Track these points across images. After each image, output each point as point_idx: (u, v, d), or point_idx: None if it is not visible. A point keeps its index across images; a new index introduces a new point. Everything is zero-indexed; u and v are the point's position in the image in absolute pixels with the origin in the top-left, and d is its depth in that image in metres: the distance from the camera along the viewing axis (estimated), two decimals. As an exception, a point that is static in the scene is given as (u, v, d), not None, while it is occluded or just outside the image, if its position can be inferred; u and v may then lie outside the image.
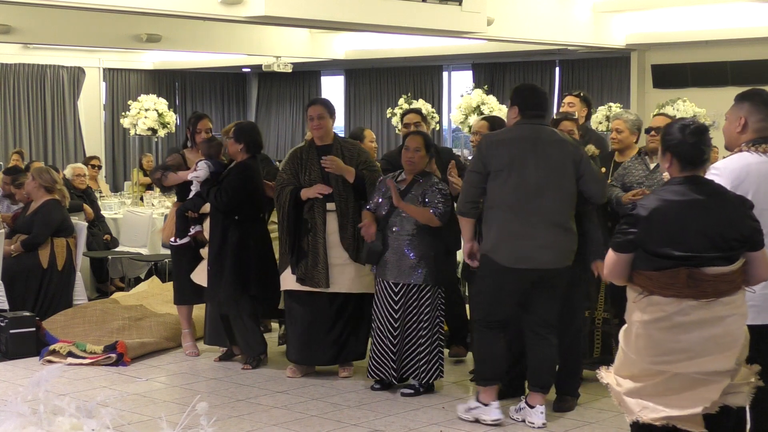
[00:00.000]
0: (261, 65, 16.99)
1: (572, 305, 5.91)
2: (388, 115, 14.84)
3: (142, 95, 14.32)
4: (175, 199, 7.96)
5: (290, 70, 16.63)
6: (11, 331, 7.45)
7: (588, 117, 7.78)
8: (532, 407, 5.77)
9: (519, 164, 5.57)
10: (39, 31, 13.83)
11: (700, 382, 3.95)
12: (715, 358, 3.94)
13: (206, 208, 7.22)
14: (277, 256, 7.26)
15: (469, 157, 9.29)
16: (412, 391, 6.39)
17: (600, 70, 17.49)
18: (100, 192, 12.54)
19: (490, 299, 5.71)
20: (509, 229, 5.57)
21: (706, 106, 12.08)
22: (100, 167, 13.49)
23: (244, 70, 20.75)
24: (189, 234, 7.33)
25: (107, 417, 4.21)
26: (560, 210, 5.62)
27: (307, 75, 20.90)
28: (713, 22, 13.27)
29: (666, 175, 4.14)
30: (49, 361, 7.11)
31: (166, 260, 9.69)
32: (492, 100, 12.87)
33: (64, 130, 18.88)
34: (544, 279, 5.64)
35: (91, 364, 7.21)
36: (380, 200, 6.45)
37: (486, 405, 5.72)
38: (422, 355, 6.35)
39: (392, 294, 6.36)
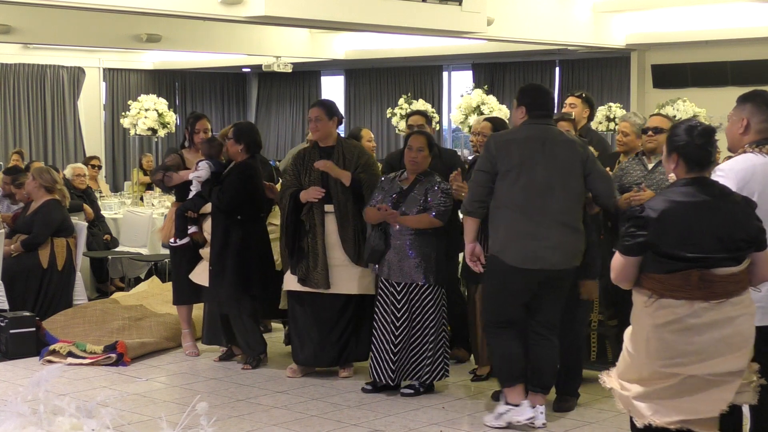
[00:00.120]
0: (261, 65, 16.99)
1: (573, 305, 5.90)
2: (388, 115, 14.84)
3: (142, 95, 14.33)
4: (174, 199, 7.96)
5: (290, 70, 16.63)
6: (11, 331, 7.45)
7: (591, 118, 7.75)
8: (532, 407, 5.76)
9: (528, 164, 5.55)
10: (39, 31, 13.83)
11: (713, 384, 3.95)
12: (727, 359, 3.94)
13: (206, 208, 7.22)
14: (276, 257, 7.29)
15: (469, 157, 9.29)
16: (412, 391, 6.39)
17: (600, 70, 17.49)
18: (100, 192, 12.54)
19: (499, 300, 5.67)
20: (518, 229, 5.54)
21: (706, 106, 12.09)
22: (100, 167, 13.48)
23: (244, 70, 20.75)
24: (188, 234, 7.33)
25: (107, 417, 4.21)
26: (569, 210, 5.61)
27: (307, 75, 20.90)
28: (713, 22, 13.27)
29: (672, 176, 4.12)
30: (49, 361, 7.11)
31: (166, 260, 9.69)
32: (492, 100, 12.88)
33: (64, 130, 18.88)
34: (551, 279, 5.62)
35: (91, 364, 7.21)
36: (382, 198, 6.44)
37: (517, 405, 5.63)
38: (428, 354, 6.35)
39: (394, 294, 6.36)
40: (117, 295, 9.33)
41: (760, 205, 4.17)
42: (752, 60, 13.70)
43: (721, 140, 4.68)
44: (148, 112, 13.67)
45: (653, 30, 13.87)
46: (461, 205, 5.83)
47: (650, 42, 14.12)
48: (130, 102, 14.24)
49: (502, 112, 12.48)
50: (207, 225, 7.21)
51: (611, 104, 13.68)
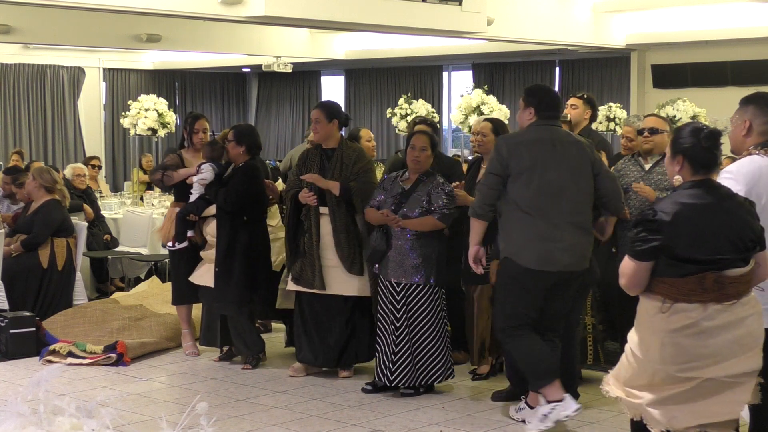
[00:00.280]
0: (261, 65, 17.00)
1: (573, 306, 5.89)
2: (388, 115, 14.85)
3: (142, 95, 14.33)
4: (173, 199, 7.96)
5: (290, 70, 16.64)
6: (11, 331, 7.45)
7: (593, 119, 7.74)
8: (532, 408, 5.77)
9: (540, 166, 5.52)
10: (39, 31, 13.84)
11: (729, 386, 3.95)
12: (741, 360, 3.94)
13: (208, 211, 7.21)
14: (273, 257, 7.33)
15: (469, 157, 9.30)
16: (412, 391, 6.38)
17: (600, 70, 17.51)
18: (100, 192, 12.54)
19: (515, 303, 5.58)
20: (532, 231, 5.50)
21: (706, 106, 12.09)
22: (100, 167, 13.48)
23: (244, 70, 20.76)
24: (188, 237, 7.33)
25: (107, 417, 4.21)
26: (581, 211, 5.60)
27: (307, 75, 20.91)
28: (713, 22, 13.28)
29: (678, 178, 4.10)
30: (49, 361, 7.11)
31: (166, 260, 9.68)
32: (492, 100, 12.87)
33: (64, 130, 18.89)
34: (561, 281, 5.59)
35: (91, 364, 7.21)
36: (384, 198, 6.44)
37: (560, 401, 5.52)
38: (431, 355, 6.34)
39: (394, 294, 6.36)
40: (117, 295, 9.33)
41: (766, 208, 4.17)
42: (752, 60, 13.71)
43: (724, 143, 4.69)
44: (148, 112, 13.67)
45: (653, 30, 13.88)
46: (470, 208, 5.76)
47: (650, 42, 14.13)
48: (130, 102, 14.24)
49: (502, 112, 12.48)
50: (210, 228, 7.19)
51: (611, 104, 13.68)
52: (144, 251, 10.48)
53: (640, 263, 3.97)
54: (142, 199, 12.34)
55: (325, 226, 6.69)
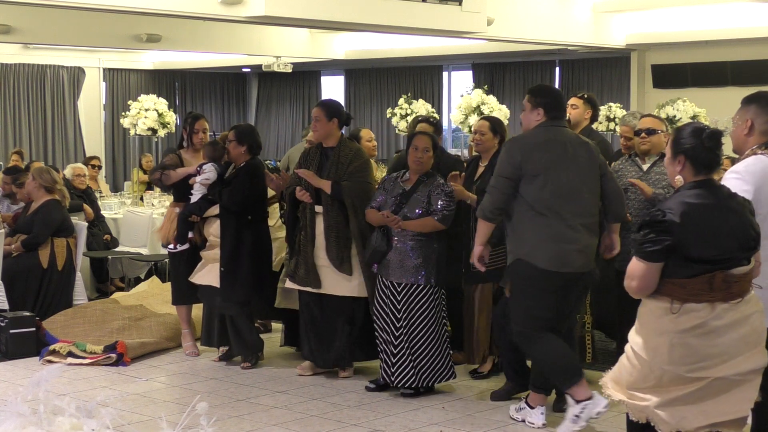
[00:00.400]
0: (261, 65, 17.01)
1: (574, 306, 5.89)
2: (388, 115, 14.85)
3: (142, 95, 14.33)
4: (172, 198, 7.95)
5: (290, 70, 16.65)
6: (11, 331, 7.45)
7: (593, 119, 7.74)
8: (532, 407, 5.77)
9: (554, 167, 5.50)
10: (39, 31, 13.84)
11: (737, 384, 3.96)
12: (747, 357, 3.96)
13: (210, 211, 7.21)
14: (281, 256, 7.33)
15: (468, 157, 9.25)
16: (412, 391, 6.39)
17: (600, 70, 17.51)
18: (100, 192, 12.54)
19: (532, 305, 5.55)
20: (547, 232, 5.47)
21: (706, 106, 12.09)
22: (100, 167, 13.48)
23: (244, 70, 20.77)
24: (189, 238, 7.33)
25: (107, 417, 4.21)
26: (591, 212, 5.60)
27: (307, 75, 20.91)
28: (713, 22, 13.29)
29: (679, 178, 4.10)
30: (49, 361, 7.11)
31: (166, 260, 9.68)
32: (492, 100, 12.87)
33: (64, 130, 18.89)
34: (572, 282, 5.59)
35: (91, 364, 7.21)
36: (384, 199, 6.44)
37: (590, 399, 5.46)
38: (434, 356, 6.34)
39: (395, 294, 6.36)
40: (117, 295, 9.33)
41: None
42: (752, 60, 13.72)
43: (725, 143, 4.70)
44: (148, 112, 13.67)
45: (653, 30, 13.88)
46: (479, 209, 5.71)
47: (650, 42, 14.13)
48: (130, 102, 14.24)
49: (502, 112, 12.47)
50: (214, 228, 7.18)
51: (611, 104, 13.68)
52: (144, 251, 10.49)
53: (650, 264, 3.95)
54: (142, 199, 12.34)
55: (320, 225, 6.70)
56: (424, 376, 6.35)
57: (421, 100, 14.71)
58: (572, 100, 7.62)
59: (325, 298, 6.73)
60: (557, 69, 18.03)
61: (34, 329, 7.56)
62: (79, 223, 9.05)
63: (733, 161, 4.84)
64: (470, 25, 10.62)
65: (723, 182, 4.47)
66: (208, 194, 7.18)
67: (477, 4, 10.50)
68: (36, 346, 7.49)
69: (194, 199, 7.25)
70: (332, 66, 19.50)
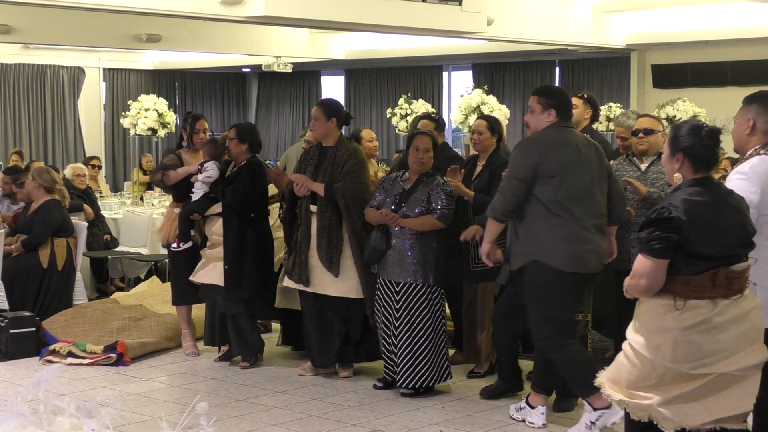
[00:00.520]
0: (261, 65, 17.01)
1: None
2: (388, 115, 14.85)
3: (142, 95, 14.33)
4: (171, 199, 7.95)
5: (290, 70, 16.65)
6: (11, 331, 7.45)
7: (594, 119, 7.74)
8: (533, 407, 5.77)
9: (570, 168, 5.48)
10: (39, 31, 13.85)
11: (739, 379, 3.97)
12: (748, 353, 3.98)
13: (212, 209, 7.20)
14: (280, 255, 7.36)
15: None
16: (412, 391, 6.38)
17: (600, 70, 17.52)
18: (100, 192, 12.54)
19: (553, 307, 5.49)
20: (562, 233, 5.45)
21: (706, 106, 12.10)
22: (100, 167, 13.48)
23: (244, 70, 20.77)
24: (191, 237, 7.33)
25: (107, 417, 4.22)
26: (602, 213, 5.60)
27: (307, 75, 20.92)
28: (713, 22, 13.29)
29: (678, 176, 4.11)
30: (49, 361, 7.11)
31: (166, 260, 9.68)
32: (492, 100, 12.88)
33: (64, 130, 18.90)
34: (584, 282, 5.59)
35: (91, 364, 7.21)
36: (383, 198, 6.44)
37: (608, 408, 5.37)
38: (432, 356, 6.34)
39: (393, 293, 6.36)
40: (117, 295, 9.33)
41: None
42: (752, 60, 13.72)
43: (723, 141, 4.70)
44: (148, 112, 13.67)
45: (653, 30, 13.89)
46: (489, 209, 5.65)
47: (650, 42, 14.14)
48: (130, 102, 14.24)
49: (502, 112, 12.48)
50: (216, 227, 7.17)
51: (611, 104, 13.69)
52: (144, 251, 10.49)
53: (658, 261, 3.94)
54: (142, 199, 12.34)
55: (314, 224, 6.71)
56: (422, 376, 6.34)
57: (421, 100, 14.72)
58: (572, 100, 7.61)
59: (322, 298, 6.73)
60: (557, 69, 18.04)
61: (34, 329, 7.56)
62: (79, 223, 9.05)
63: (733, 161, 4.85)
64: (470, 25, 10.62)
65: (728, 183, 4.49)
66: (210, 192, 7.18)
67: (477, 4, 10.51)
68: (36, 346, 7.49)
69: (195, 197, 7.25)
70: (332, 66, 19.51)
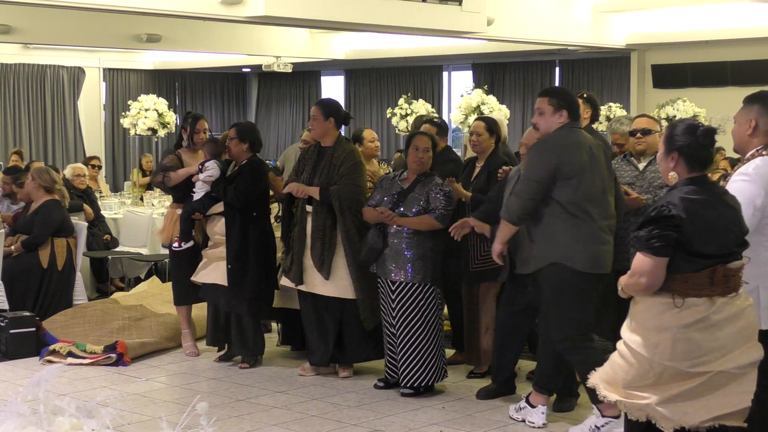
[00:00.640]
0: (261, 65, 17.02)
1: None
2: (388, 115, 14.85)
3: (142, 95, 14.34)
4: (171, 200, 7.95)
5: (290, 70, 16.65)
6: (11, 331, 7.44)
7: (594, 119, 7.72)
8: (533, 406, 5.77)
9: (586, 169, 5.46)
10: (39, 31, 13.86)
11: (736, 377, 3.98)
12: (744, 351, 3.99)
13: (214, 209, 7.20)
14: (278, 255, 7.36)
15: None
16: (412, 391, 6.38)
17: (600, 70, 17.52)
18: (100, 192, 12.54)
19: (574, 309, 5.46)
20: (580, 233, 5.42)
21: (706, 106, 12.12)
22: (100, 167, 13.48)
23: (244, 70, 20.78)
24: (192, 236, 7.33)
25: (107, 417, 4.22)
26: (613, 214, 5.59)
27: (307, 75, 20.93)
28: (713, 22, 13.30)
29: (673, 175, 4.11)
30: (49, 361, 7.11)
31: (166, 260, 9.68)
32: (492, 100, 12.89)
33: (64, 130, 18.90)
34: (599, 283, 5.56)
35: (91, 364, 7.21)
36: (381, 197, 6.44)
37: (617, 417, 5.33)
38: (428, 355, 6.33)
39: (390, 292, 6.37)
40: (117, 295, 9.33)
41: None
42: (752, 60, 13.73)
43: (722, 141, 4.71)
44: (148, 112, 13.68)
45: (653, 30, 13.89)
46: (504, 211, 5.62)
47: (650, 42, 14.14)
48: (130, 102, 14.25)
49: (502, 112, 12.48)
50: (218, 226, 7.17)
51: (611, 104, 13.69)
52: (144, 251, 10.49)
53: (658, 259, 3.94)
54: (142, 199, 12.34)
55: (309, 225, 6.72)
56: (421, 375, 6.34)
57: (421, 100, 14.72)
58: None
59: (318, 298, 6.73)
60: (557, 69, 18.04)
61: (34, 329, 7.56)
62: (79, 223, 9.05)
63: (733, 161, 4.85)
64: (470, 25, 10.62)
65: (731, 184, 4.50)
66: (212, 191, 7.18)
67: (477, 4, 10.51)
68: (36, 346, 7.49)
69: (197, 196, 7.25)
70: (332, 66, 19.51)
